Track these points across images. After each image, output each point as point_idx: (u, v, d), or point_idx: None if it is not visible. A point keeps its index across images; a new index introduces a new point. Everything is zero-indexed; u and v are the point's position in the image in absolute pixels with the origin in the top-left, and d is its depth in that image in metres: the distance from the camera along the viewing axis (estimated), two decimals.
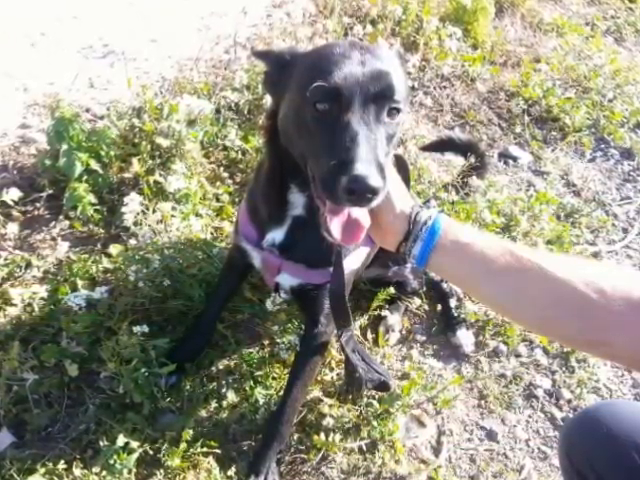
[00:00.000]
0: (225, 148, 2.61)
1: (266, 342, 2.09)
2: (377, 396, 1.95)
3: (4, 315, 1.95)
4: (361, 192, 1.03)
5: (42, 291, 1.97)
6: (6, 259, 2.12)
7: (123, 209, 2.07)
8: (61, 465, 1.63)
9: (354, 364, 1.55)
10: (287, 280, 1.62)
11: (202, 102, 2.49)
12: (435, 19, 3.41)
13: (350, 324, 1.46)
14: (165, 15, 3.28)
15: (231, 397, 1.91)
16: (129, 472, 1.63)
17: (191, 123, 2.44)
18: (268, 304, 1.99)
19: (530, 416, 2.11)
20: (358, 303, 2.25)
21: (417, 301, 2.32)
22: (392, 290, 2.05)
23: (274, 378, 1.98)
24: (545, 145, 3.30)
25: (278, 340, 2.06)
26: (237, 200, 2.48)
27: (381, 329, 2.20)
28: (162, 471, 1.70)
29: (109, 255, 2.15)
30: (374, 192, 1.03)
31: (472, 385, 2.15)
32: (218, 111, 2.68)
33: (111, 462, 1.60)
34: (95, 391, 1.87)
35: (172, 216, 2.23)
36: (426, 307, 2.35)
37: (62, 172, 2.24)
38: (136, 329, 1.82)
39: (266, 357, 2.03)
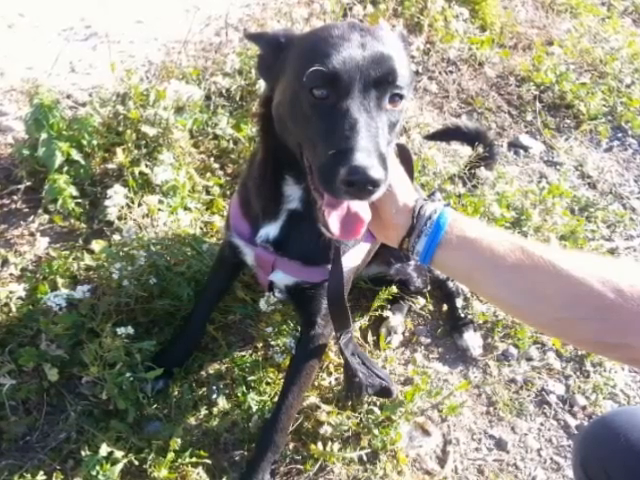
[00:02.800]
0: (215, 137, 2.61)
1: (259, 345, 2.10)
2: (378, 402, 1.95)
3: None
4: (361, 184, 1.03)
5: (20, 290, 1.96)
6: None
7: (106, 202, 2.06)
8: (40, 476, 1.62)
9: (354, 368, 1.55)
10: (282, 278, 1.62)
11: (191, 88, 2.49)
12: None
13: (349, 325, 1.46)
14: None
15: (222, 403, 1.91)
16: None
17: (179, 110, 2.44)
18: (262, 304, 1.99)
19: (542, 424, 2.11)
20: (358, 303, 2.25)
21: (421, 301, 2.31)
22: (394, 289, 2.04)
23: (268, 383, 1.98)
24: (558, 134, 3.30)
25: (272, 343, 2.06)
26: (228, 193, 2.48)
27: (383, 331, 2.20)
28: None
29: (91, 251, 2.15)
30: (375, 184, 1.03)
31: (480, 391, 2.15)
32: (208, 97, 2.67)
33: (93, 473, 1.60)
34: (76, 397, 1.87)
35: (159, 210, 2.23)
36: (431, 307, 2.36)
37: (41, 163, 2.24)
38: (120, 331, 1.81)
39: (259, 361, 2.02)
